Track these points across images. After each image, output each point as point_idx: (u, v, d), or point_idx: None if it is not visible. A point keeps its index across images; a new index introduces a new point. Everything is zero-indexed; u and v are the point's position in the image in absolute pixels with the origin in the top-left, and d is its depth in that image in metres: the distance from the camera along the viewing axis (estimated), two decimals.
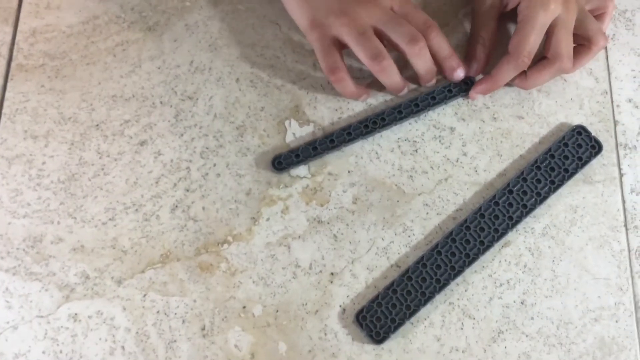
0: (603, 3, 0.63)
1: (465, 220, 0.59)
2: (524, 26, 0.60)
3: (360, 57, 0.59)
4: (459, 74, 0.62)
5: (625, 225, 0.60)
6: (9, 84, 0.63)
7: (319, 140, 0.62)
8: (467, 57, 0.64)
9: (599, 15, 0.64)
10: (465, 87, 0.64)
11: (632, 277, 0.59)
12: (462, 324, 0.57)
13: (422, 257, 0.58)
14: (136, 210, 0.59)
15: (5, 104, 0.62)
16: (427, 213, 0.60)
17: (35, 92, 0.62)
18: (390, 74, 0.60)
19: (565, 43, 0.60)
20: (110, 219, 0.59)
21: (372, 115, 0.62)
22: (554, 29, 0.60)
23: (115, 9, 0.65)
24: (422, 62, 0.60)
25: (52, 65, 0.63)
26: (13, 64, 0.63)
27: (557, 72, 0.62)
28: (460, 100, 0.64)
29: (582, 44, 0.62)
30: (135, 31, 0.65)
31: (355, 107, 0.63)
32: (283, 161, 0.61)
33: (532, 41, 0.60)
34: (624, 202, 0.61)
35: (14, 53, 0.64)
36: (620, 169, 0.62)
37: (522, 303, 0.58)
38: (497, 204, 0.60)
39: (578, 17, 0.61)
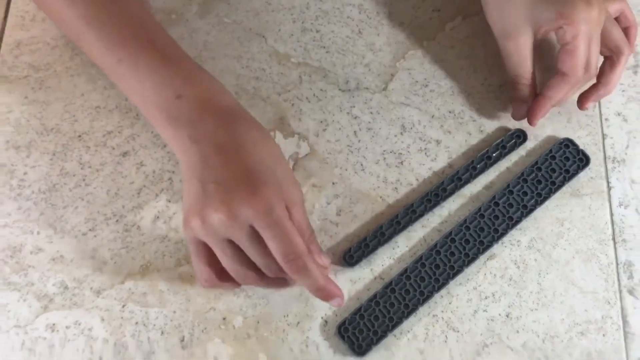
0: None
1: (450, 233, 0.58)
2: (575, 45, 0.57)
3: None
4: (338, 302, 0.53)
5: (614, 239, 0.59)
6: None
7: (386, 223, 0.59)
8: (513, 100, 0.62)
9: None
10: (519, 141, 0.63)
11: (620, 291, 0.58)
12: (446, 337, 0.56)
13: (405, 270, 0.57)
14: (117, 221, 0.59)
15: None
16: (412, 225, 0.59)
17: (18, 103, 0.62)
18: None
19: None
20: (90, 230, 0.58)
21: (434, 187, 0.60)
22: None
23: None
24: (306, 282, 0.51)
25: (36, 76, 0.63)
26: None
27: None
28: (446, 113, 0.63)
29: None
30: None
31: (341, 120, 0.63)
32: None
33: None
34: (612, 215, 0.60)
35: None
36: (608, 182, 0.61)
37: (507, 316, 0.57)
38: (482, 216, 0.59)
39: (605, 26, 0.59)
